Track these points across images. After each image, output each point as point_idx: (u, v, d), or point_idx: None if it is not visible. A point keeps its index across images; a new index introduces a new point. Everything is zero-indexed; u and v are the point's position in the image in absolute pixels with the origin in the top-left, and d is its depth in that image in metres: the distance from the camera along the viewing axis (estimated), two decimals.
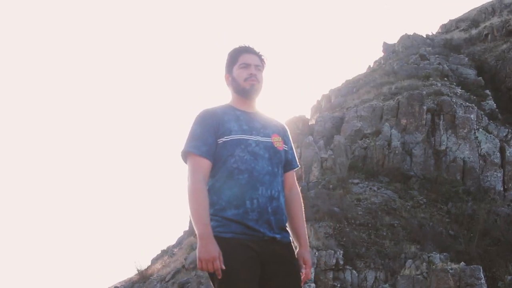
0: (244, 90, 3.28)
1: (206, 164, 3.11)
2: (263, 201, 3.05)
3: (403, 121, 20.23)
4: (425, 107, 20.12)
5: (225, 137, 3.13)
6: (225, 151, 3.11)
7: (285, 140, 3.34)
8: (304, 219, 3.36)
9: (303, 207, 3.38)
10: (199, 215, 2.96)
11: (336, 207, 16.11)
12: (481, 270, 12.39)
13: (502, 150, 18.96)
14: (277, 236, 3.08)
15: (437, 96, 20.73)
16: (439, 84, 22.16)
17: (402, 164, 19.13)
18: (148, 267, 20.57)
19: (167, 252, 22.30)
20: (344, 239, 14.87)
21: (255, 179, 3.07)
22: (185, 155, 3.18)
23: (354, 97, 24.61)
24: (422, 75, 23.71)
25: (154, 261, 22.36)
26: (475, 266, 12.64)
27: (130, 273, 21.68)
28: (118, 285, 19.70)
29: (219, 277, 2.89)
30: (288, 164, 3.33)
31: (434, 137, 19.72)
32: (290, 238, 3.21)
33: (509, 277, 13.67)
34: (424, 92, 20.89)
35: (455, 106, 19.99)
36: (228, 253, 2.92)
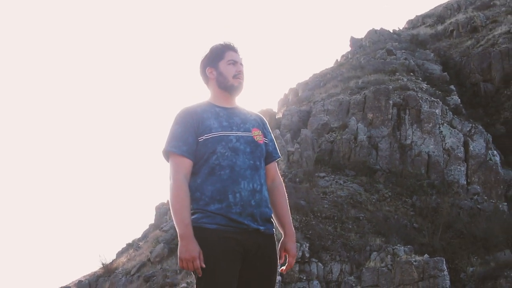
0: (232, 86, 3.29)
1: (187, 163, 3.12)
2: (245, 195, 3.07)
3: (370, 115, 20.39)
4: (391, 102, 20.31)
5: (206, 135, 3.14)
6: (206, 148, 3.13)
7: (265, 133, 3.35)
8: (289, 209, 3.38)
9: (286, 197, 3.41)
10: (181, 215, 3.00)
11: (303, 200, 16.16)
12: (444, 262, 12.60)
13: (465, 145, 19.27)
14: (261, 228, 3.11)
15: (403, 91, 20.94)
16: (405, 79, 22.39)
17: (368, 158, 19.28)
18: (113, 260, 20.32)
19: (132, 246, 22.06)
20: (310, 232, 14.93)
21: (236, 174, 3.09)
22: (167, 155, 3.19)
23: (321, 91, 24.69)
24: (389, 69, 23.92)
25: (119, 254, 22.10)
26: (438, 258, 12.84)
27: (94, 266, 21.39)
28: (82, 279, 19.40)
29: (199, 275, 2.95)
30: (269, 156, 3.35)
31: (400, 131, 19.93)
32: (274, 230, 3.23)
33: (471, 269, 13.93)
34: (391, 87, 21.08)
35: (420, 101, 20.22)
36: (210, 245, 2.97)
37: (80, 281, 19.01)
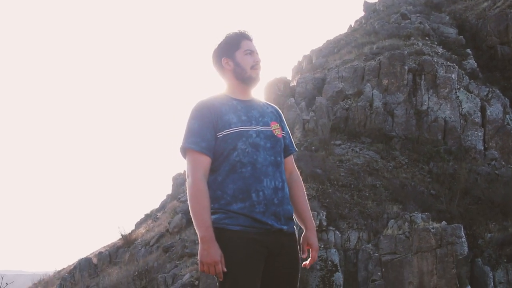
0: (250, 77, 3.15)
1: (206, 160, 2.99)
2: (268, 193, 2.96)
3: (385, 82, 20.18)
4: (406, 67, 20.06)
5: (225, 131, 3.01)
6: (226, 145, 3.00)
7: (282, 126, 3.23)
8: (308, 203, 3.29)
9: (304, 191, 3.30)
10: (201, 216, 2.87)
11: (319, 168, 16.15)
12: (462, 229, 12.58)
13: (482, 109, 19.06)
14: (284, 227, 3.01)
15: (419, 56, 20.66)
16: (420, 44, 22.07)
17: (384, 125, 19.16)
18: (132, 231, 20.58)
19: (151, 216, 22.30)
20: (327, 200, 14.96)
21: (258, 171, 2.98)
22: (184, 151, 3.06)
23: (335, 58, 24.45)
24: (404, 34, 23.57)
25: (138, 225, 22.37)
26: (456, 224, 12.83)
27: (114, 237, 21.69)
28: (103, 250, 19.70)
29: (221, 279, 2.85)
30: (286, 150, 3.23)
31: (415, 97, 19.73)
32: (294, 227, 3.13)
33: (489, 235, 13.91)
34: (406, 52, 20.80)
35: (436, 65, 19.96)
36: (233, 248, 2.86)
37: (100, 252, 19.30)
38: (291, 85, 23.51)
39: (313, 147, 17.91)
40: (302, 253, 3.20)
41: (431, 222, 13.29)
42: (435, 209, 14.83)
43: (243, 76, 3.15)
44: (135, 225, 22.72)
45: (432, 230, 12.52)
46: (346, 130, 19.35)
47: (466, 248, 12.16)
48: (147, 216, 23.04)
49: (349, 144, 18.54)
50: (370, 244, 13.57)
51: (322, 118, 19.40)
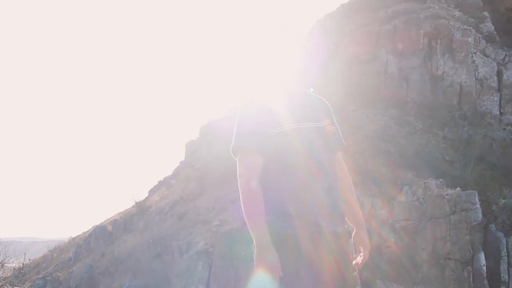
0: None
1: (259, 160, 2.87)
2: (323, 193, 2.86)
3: (400, 46, 19.85)
4: (422, 31, 19.70)
5: (278, 129, 2.87)
6: (279, 143, 2.87)
7: (332, 121, 3.12)
8: (356, 200, 3.19)
9: (353, 187, 3.19)
10: (256, 221, 2.78)
11: None
12: (476, 195, 12.46)
13: (499, 74, 18.73)
14: (338, 228, 2.90)
15: (435, 20, 20.26)
16: (437, 7, 21.61)
17: (398, 90, 18.93)
18: (146, 198, 20.73)
19: (164, 183, 22.41)
20: None
21: (313, 170, 2.86)
22: (235, 151, 2.94)
23: (350, 22, 24.06)
24: None
25: (152, 192, 22.51)
26: (470, 191, 12.71)
27: (128, 204, 21.88)
28: (117, 218, 19.90)
29: (277, 284, 2.74)
30: (335, 145, 3.12)
31: (431, 62, 19.42)
32: (346, 227, 3.03)
33: (503, 201, 13.78)
34: (421, 16, 20.40)
35: (452, 29, 19.57)
36: (289, 251, 2.76)
37: (115, 220, 19.51)
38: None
39: None
40: (354, 252, 3.12)
41: (445, 188, 13.19)
42: (450, 175, 14.71)
43: (294, 68, 3.05)
44: (149, 192, 22.87)
45: (446, 197, 12.43)
46: (361, 95, 19.14)
47: (480, 214, 12.07)
48: (161, 183, 23.17)
49: (363, 110, 18.35)
50: (383, 211, 13.53)
51: (336, 84, 19.19)
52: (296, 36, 3.14)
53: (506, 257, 11.57)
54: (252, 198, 2.81)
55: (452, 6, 22.34)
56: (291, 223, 2.80)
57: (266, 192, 2.85)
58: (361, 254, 3.13)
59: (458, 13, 21.42)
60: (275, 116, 2.89)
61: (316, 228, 2.82)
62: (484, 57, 19.09)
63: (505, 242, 11.91)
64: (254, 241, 2.78)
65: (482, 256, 11.35)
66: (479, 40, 19.61)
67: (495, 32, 20.72)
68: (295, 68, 3.07)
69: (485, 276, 11.15)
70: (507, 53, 19.33)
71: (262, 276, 2.70)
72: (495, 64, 18.89)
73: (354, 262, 3.11)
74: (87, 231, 21.10)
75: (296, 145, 2.86)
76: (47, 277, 17.14)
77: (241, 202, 2.84)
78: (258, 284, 2.70)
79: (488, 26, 20.95)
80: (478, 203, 12.31)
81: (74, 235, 23.69)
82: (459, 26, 19.85)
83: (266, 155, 2.88)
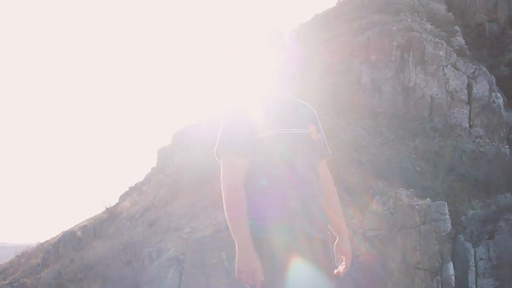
0: (288, 74, 3.08)
1: (242, 164, 2.86)
2: (306, 200, 2.87)
3: (373, 57, 20.11)
4: (395, 43, 19.99)
5: (263, 133, 2.88)
6: (263, 148, 2.87)
7: (318, 128, 3.13)
8: (341, 209, 3.20)
9: (337, 196, 3.21)
10: (238, 225, 2.78)
11: None
12: (446, 206, 12.65)
13: (469, 87, 19.09)
14: (321, 235, 2.91)
15: (407, 32, 20.58)
16: (409, 20, 21.96)
17: (371, 101, 19.15)
18: (117, 204, 20.52)
19: (136, 189, 22.23)
20: None
21: (297, 177, 2.87)
22: (219, 154, 2.92)
23: (324, 32, 24.26)
24: (393, 9, 23.42)
25: (123, 198, 22.28)
26: (440, 202, 12.88)
27: (98, 210, 21.64)
28: (87, 223, 19.65)
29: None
30: (320, 154, 3.14)
31: (403, 74, 19.71)
32: (328, 234, 3.05)
33: (472, 211, 14.02)
34: (395, 28, 20.71)
35: (424, 42, 19.90)
36: (270, 256, 2.77)
37: (85, 226, 19.26)
38: None
39: None
40: (336, 261, 3.12)
41: (415, 198, 13.36)
42: (420, 185, 14.91)
43: (281, 73, 3.05)
44: (120, 197, 22.64)
45: (416, 207, 12.59)
46: (334, 105, 19.30)
47: (449, 224, 12.24)
48: (132, 189, 22.97)
49: (336, 119, 18.51)
50: (355, 220, 13.63)
51: (311, 93, 19.32)
52: (281, 41, 3.13)
53: (474, 267, 11.78)
54: (235, 201, 2.81)
55: (425, 19, 22.72)
56: (274, 228, 2.81)
57: (249, 197, 2.84)
58: (343, 263, 3.12)
59: (430, 26, 21.81)
60: (259, 121, 2.90)
61: (297, 234, 2.83)
62: (455, 70, 19.44)
63: (473, 253, 12.11)
64: (236, 245, 2.77)
65: (451, 266, 11.52)
66: (450, 54, 19.97)
67: (465, 46, 21.14)
68: (272, 74, 3.06)
69: (453, 285, 11.31)
70: (477, 67, 19.73)
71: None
72: (465, 78, 19.26)
73: (335, 271, 3.11)
74: (56, 236, 20.77)
75: (279, 150, 2.86)
76: (14, 283, 16.82)
77: (224, 205, 2.83)
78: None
79: (459, 40, 21.37)
80: (448, 214, 12.49)
81: (42, 241, 23.32)
82: (431, 39, 20.20)
83: (249, 159, 2.88)
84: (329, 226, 3.07)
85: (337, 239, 3.16)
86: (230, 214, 2.81)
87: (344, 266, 3.13)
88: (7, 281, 17.88)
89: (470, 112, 18.73)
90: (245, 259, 2.74)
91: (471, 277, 11.66)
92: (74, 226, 21.09)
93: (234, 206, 2.81)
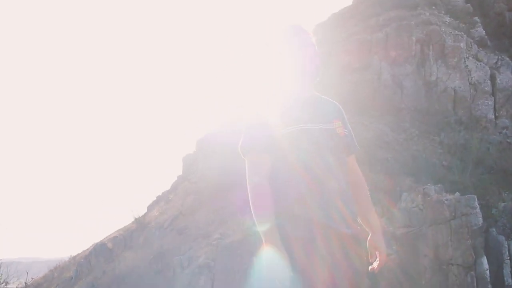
0: (310, 72, 3.06)
1: (266, 160, 2.85)
2: (332, 195, 2.82)
3: (392, 53, 19.96)
4: (414, 38, 19.82)
5: (287, 128, 2.86)
6: (287, 143, 2.85)
7: (344, 124, 3.10)
8: (372, 204, 3.15)
9: (368, 192, 3.16)
10: (264, 219, 2.76)
11: None
12: (476, 199, 12.50)
13: (492, 78, 18.85)
14: (348, 230, 2.85)
15: (426, 26, 20.41)
16: (428, 14, 21.77)
17: (393, 97, 19.01)
18: (145, 214, 20.65)
19: (163, 198, 22.35)
20: None
21: (321, 172, 2.83)
22: (244, 151, 2.92)
23: (341, 31, 24.17)
24: (410, 4, 23.23)
25: (151, 208, 22.43)
26: (469, 195, 12.74)
27: (127, 221, 21.82)
28: (117, 235, 19.82)
29: (288, 285, 2.72)
30: (348, 149, 3.10)
31: (424, 68, 19.53)
32: (358, 228, 3.00)
33: (502, 204, 13.83)
34: (413, 23, 20.54)
35: (444, 35, 19.71)
36: (296, 252, 2.73)
37: (115, 237, 19.43)
38: None
39: None
40: (370, 257, 3.09)
41: (444, 193, 13.22)
42: (448, 180, 14.75)
43: (303, 70, 3.02)
44: (148, 207, 22.79)
45: (446, 202, 12.47)
46: (355, 103, 19.20)
47: (480, 218, 12.10)
48: (159, 198, 23.10)
49: (358, 118, 18.40)
50: (384, 218, 13.54)
51: (330, 93, 19.24)
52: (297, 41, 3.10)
53: (508, 261, 11.61)
54: (261, 196, 2.79)
55: (443, 12, 22.50)
56: (298, 225, 2.78)
57: (275, 194, 2.82)
58: (377, 259, 3.10)
59: (449, 19, 21.59)
60: (283, 116, 2.88)
61: (325, 230, 2.79)
62: (476, 62, 19.21)
63: (507, 246, 11.94)
64: (263, 240, 2.75)
65: (484, 260, 11.37)
66: (471, 45, 19.75)
67: (486, 37, 20.88)
68: (292, 71, 3.05)
69: (488, 280, 11.17)
70: (499, 57, 19.48)
71: (270, 253, 2.68)
72: (488, 69, 19.02)
73: (370, 268, 3.08)
74: (87, 249, 20.98)
75: (303, 146, 2.84)
76: None
77: (250, 201, 2.81)
78: (267, 262, 2.67)
79: (479, 31, 21.11)
80: (478, 207, 12.35)
81: (74, 254, 23.57)
82: (451, 32, 19.99)
83: (274, 155, 2.86)
84: (359, 221, 3.04)
85: (370, 235, 3.11)
86: (255, 208, 2.79)
87: (378, 262, 3.08)
88: None
89: (495, 103, 18.48)
90: (273, 256, 2.70)
91: (507, 270, 11.50)
92: (105, 238, 21.28)
93: (259, 201, 2.78)
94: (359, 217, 3.06)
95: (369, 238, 3.11)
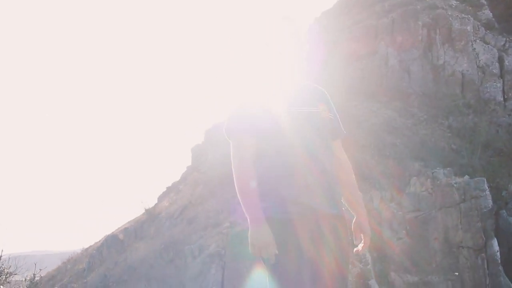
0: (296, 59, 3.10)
1: (251, 141, 2.90)
2: (317, 177, 2.85)
3: (399, 39, 19.85)
4: (420, 23, 19.70)
5: (272, 112, 2.90)
6: (272, 126, 2.89)
7: (330, 108, 3.12)
8: (357, 187, 3.15)
9: (353, 175, 3.16)
10: (249, 199, 2.80)
11: None
12: (485, 182, 12.46)
13: (500, 60, 18.72)
14: (333, 211, 2.89)
15: (432, 10, 20.27)
16: None
17: (400, 82, 18.93)
18: (155, 205, 20.75)
19: (173, 189, 22.45)
20: None
21: (307, 154, 2.86)
22: (228, 133, 2.97)
23: (347, 18, 24.07)
24: None
25: (161, 198, 22.54)
26: (479, 178, 12.70)
27: (137, 212, 21.93)
28: (128, 226, 19.94)
29: (273, 262, 2.75)
30: (334, 133, 3.12)
31: (431, 52, 19.42)
32: (344, 210, 3.02)
33: None
34: (418, 7, 20.41)
35: (450, 18, 19.57)
36: (283, 233, 2.75)
37: (126, 228, 19.55)
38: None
39: None
40: (355, 239, 3.10)
41: (453, 177, 13.18)
42: (457, 163, 14.71)
43: (292, 57, 3.06)
44: (158, 198, 22.91)
45: (455, 185, 12.43)
46: (362, 90, 19.14)
47: (490, 201, 12.07)
48: (169, 189, 23.20)
49: (366, 104, 18.36)
50: (393, 203, 13.53)
51: (337, 80, 19.20)
52: (299, 33, 3.15)
53: None
54: (245, 176, 2.83)
55: None
56: (286, 207, 2.80)
57: (260, 177, 2.86)
58: (362, 241, 3.12)
59: (455, 2, 21.43)
60: (267, 100, 2.92)
61: (311, 211, 2.82)
62: (484, 45, 19.08)
63: None
64: (248, 220, 2.78)
65: (495, 242, 11.35)
66: (478, 28, 19.61)
67: (493, 19, 20.71)
68: (296, 66, 3.09)
69: (499, 262, 11.15)
70: (507, 39, 19.33)
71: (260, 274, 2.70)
72: (496, 51, 18.89)
73: (355, 250, 3.10)
74: (99, 241, 21.14)
75: (289, 128, 2.88)
76: None
77: (235, 181, 2.86)
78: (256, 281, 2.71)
79: (486, 13, 20.95)
80: (488, 190, 12.31)
81: (86, 246, 23.76)
82: (457, 15, 19.85)
83: (258, 138, 2.91)
84: (343, 202, 3.07)
85: (355, 217, 3.12)
86: (240, 188, 2.83)
87: (363, 244, 3.09)
88: (56, 287, 18.27)
89: (503, 85, 18.37)
90: (257, 233, 2.74)
91: None
92: (116, 230, 21.43)
93: (244, 181, 2.83)
94: (344, 199, 3.08)
95: (354, 220, 3.12)
